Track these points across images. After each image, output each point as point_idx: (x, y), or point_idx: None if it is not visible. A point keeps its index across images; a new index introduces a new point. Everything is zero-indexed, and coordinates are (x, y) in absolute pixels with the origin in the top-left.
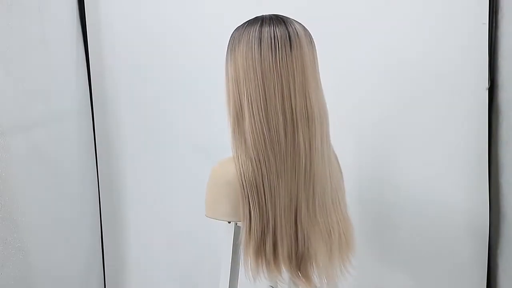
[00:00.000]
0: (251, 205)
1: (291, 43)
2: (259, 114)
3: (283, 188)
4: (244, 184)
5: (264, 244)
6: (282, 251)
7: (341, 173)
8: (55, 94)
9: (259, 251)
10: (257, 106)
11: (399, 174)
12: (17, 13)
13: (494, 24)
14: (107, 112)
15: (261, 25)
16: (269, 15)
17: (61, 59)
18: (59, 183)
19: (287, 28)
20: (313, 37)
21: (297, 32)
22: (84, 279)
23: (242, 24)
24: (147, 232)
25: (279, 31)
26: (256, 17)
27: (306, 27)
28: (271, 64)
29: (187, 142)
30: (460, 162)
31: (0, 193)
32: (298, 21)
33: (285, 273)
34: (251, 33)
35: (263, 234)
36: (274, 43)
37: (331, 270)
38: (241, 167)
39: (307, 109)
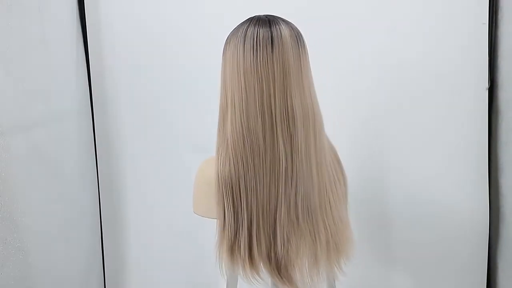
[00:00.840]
0: (225, 204)
1: (273, 43)
2: (240, 115)
3: (261, 190)
4: (220, 182)
5: (239, 243)
6: (260, 252)
7: (343, 176)
8: (55, 94)
9: (233, 250)
10: (239, 107)
11: (399, 174)
12: (17, 13)
13: (494, 24)
14: (107, 112)
15: (248, 26)
16: (261, 15)
17: (61, 59)
18: (59, 183)
19: (270, 29)
20: (302, 38)
21: (280, 33)
22: (84, 279)
23: (237, 25)
24: (147, 232)
25: (262, 32)
26: (249, 17)
27: (299, 28)
28: (252, 65)
29: (187, 142)
30: (460, 162)
31: (0, 193)
32: (290, 22)
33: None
34: (238, 34)
35: (237, 234)
36: (256, 44)
37: (316, 275)
38: (219, 166)
39: (287, 110)
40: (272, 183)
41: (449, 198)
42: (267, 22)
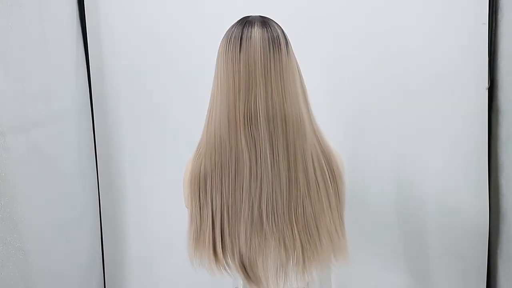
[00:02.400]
0: (193, 197)
1: (241, 45)
2: (215, 113)
3: (226, 188)
4: (191, 177)
5: (203, 237)
6: (224, 247)
7: (336, 184)
8: (55, 94)
9: (198, 243)
10: (214, 105)
11: (399, 174)
12: (17, 13)
13: (494, 24)
14: (107, 112)
15: (233, 26)
16: (250, 16)
17: (61, 59)
18: (59, 183)
19: (242, 30)
20: (281, 42)
21: (250, 35)
22: (84, 279)
23: None
24: (147, 232)
25: (236, 32)
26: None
27: (282, 30)
28: (223, 65)
29: (187, 142)
30: (460, 162)
31: (0, 193)
32: (275, 25)
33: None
34: (225, 33)
35: (201, 228)
36: (228, 45)
37: (283, 278)
38: (194, 161)
39: (251, 112)
40: (238, 183)
41: (449, 198)
42: (246, 23)
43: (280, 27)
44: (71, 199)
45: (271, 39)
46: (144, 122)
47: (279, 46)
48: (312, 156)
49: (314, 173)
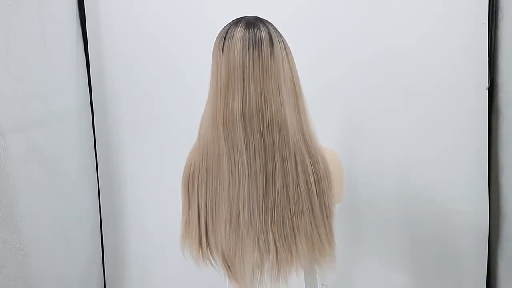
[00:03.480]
0: (184, 190)
1: (224, 45)
2: (205, 112)
3: (210, 186)
4: (184, 170)
5: (191, 229)
6: (208, 241)
7: (322, 187)
8: (55, 94)
9: (187, 233)
10: (206, 104)
11: (399, 174)
12: (17, 13)
13: (494, 24)
14: (107, 112)
15: (223, 28)
16: (244, 17)
17: (61, 59)
18: (59, 183)
19: (227, 31)
20: (266, 44)
21: (233, 35)
22: (84, 279)
23: None
24: (147, 232)
25: (223, 33)
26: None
27: (271, 32)
28: (211, 65)
29: (188, 142)
30: (460, 162)
31: (0, 193)
32: (264, 27)
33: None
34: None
35: (190, 220)
36: (214, 45)
37: (259, 278)
38: (189, 155)
39: (229, 112)
40: (219, 182)
41: (449, 198)
42: (233, 24)
43: (271, 29)
44: (71, 199)
45: (252, 40)
46: (144, 121)
47: (260, 47)
48: (295, 159)
49: (296, 176)
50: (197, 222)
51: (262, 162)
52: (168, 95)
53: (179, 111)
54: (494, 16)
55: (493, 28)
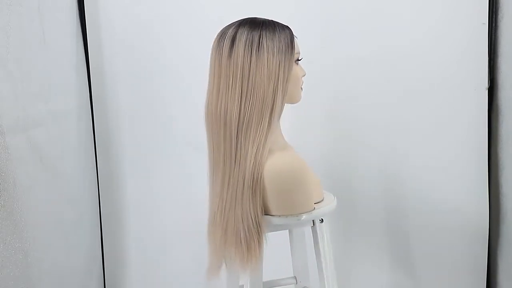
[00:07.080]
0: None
1: (212, 46)
2: None
3: (215, 178)
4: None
5: (211, 216)
6: (215, 227)
7: (256, 194)
8: (55, 94)
9: (210, 220)
10: None
11: (399, 174)
12: (16, 13)
13: (494, 24)
14: (107, 112)
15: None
16: (244, 19)
17: (61, 59)
18: (59, 183)
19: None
20: (239, 43)
21: (215, 37)
22: (84, 279)
23: None
24: (147, 233)
25: (219, 33)
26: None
27: (259, 36)
28: None
29: (188, 142)
30: (460, 162)
31: (0, 193)
32: (248, 27)
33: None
34: None
35: (210, 208)
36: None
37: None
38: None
39: (206, 110)
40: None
41: (449, 198)
42: (231, 24)
43: (244, 31)
44: (71, 199)
45: (231, 40)
46: (144, 121)
47: (231, 48)
48: (239, 155)
49: (243, 178)
50: (212, 209)
51: (221, 160)
52: (168, 95)
53: (179, 111)
54: (494, 16)
55: (493, 28)
